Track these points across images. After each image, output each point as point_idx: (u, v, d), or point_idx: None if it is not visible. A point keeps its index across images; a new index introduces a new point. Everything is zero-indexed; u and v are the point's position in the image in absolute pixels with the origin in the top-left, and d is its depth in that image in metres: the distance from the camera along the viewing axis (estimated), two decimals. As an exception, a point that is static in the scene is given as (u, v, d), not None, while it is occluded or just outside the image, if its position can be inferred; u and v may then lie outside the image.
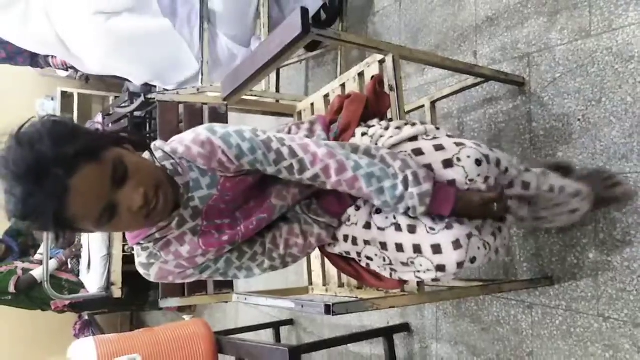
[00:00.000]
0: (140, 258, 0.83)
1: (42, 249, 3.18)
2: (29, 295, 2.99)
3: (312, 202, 0.92)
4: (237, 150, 0.78)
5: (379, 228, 0.86)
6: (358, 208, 0.90)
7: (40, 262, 3.02)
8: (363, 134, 0.94)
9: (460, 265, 0.79)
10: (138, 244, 0.82)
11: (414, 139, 0.85)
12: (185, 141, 0.79)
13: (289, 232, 0.90)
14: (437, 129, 0.90)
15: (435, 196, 0.80)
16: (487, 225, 0.85)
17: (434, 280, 0.84)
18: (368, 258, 0.91)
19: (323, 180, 0.81)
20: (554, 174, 1.00)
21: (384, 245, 0.86)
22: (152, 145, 0.82)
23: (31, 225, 0.66)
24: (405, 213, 0.82)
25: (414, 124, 0.90)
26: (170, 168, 0.79)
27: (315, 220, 0.91)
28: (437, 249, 0.80)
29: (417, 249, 0.82)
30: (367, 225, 0.88)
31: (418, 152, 0.83)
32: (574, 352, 1.19)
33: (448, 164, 0.81)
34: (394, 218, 0.85)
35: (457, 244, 0.79)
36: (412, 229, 0.82)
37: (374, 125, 0.96)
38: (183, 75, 1.90)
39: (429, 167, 0.82)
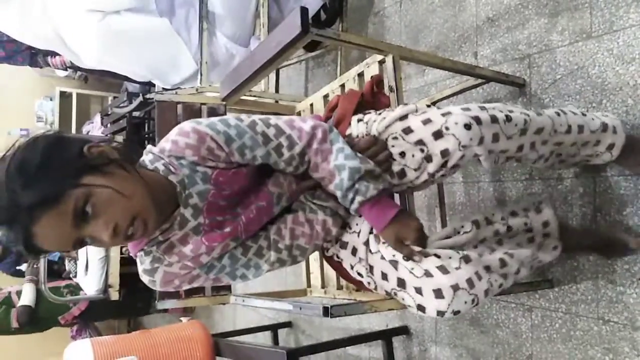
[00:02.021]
0: (144, 265, 0.81)
1: (24, 267, 3.17)
2: (34, 323, 2.98)
3: (316, 190, 0.91)
4: (225, 135, 0.78)
5: (370, 250, 0.86)
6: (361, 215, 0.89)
7: (31, 280, 3.02)
8: (359, 120, 0.94)
9: (440, 313, 0.78)
10: (141, 250, 0.81)
11: (404, 117, 0.84)
12: (171, 136, 0.79)
13: (293, 221, 0.88)
14: (429, 106, 0.88)
15: (380, 201, 0.81)
16: (483, 277, 0.81)
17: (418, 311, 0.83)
18: (359, 274, 0.91)
19: (305, 152, 0.83)
20: (571, 112, 0.95)
21: (371, 269, 0.86)
22: (144, 152, 0.81)
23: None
24: (346, 201, 0.82)
25: (405, 104, 0.89)
26: (163, 168, 0.78)
27: (320, 206, 0.89)
28: (419, 290, 0.79)
29: (401, 282, 0.81)
30: (366, 243, 0.87)
31: (408, 130, 0.82)
32: (574, 355, 1.18)
33: (438, 134, 0.79)
34: (379, 247, 0.85)
35: (438, 293, 0.77)
36: (394, 264, 0.82)
37: (370, 113, 0.95)
38: (180, 75, 1.89)
39: (420, 142, 0.81)
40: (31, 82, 4.28)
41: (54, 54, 2.80)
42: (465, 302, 0.78)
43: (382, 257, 0.84)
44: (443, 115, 0.80)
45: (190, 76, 1.90)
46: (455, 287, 0.77)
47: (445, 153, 0.79)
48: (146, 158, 0.80)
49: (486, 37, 1.48)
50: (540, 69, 1.31)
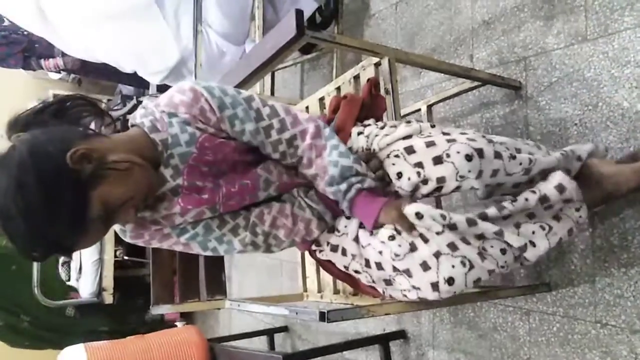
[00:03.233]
0: (120, 227, 0.84)
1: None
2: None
3: (310, 190, 0.91)
4: (219, 101, 0.79)
5: (361, 245, 0.86)
6: (348, 217, 0.89)
7: None
8: (359, 133, 0.93)
9: (434, 286, 0.77)
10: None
11: (407, 137, 0.84)
12: (169, 92, 0.81)
13: (279, 211, 0.87)
14: (433, 126, 0.87)
15: (369, 197, 0.82)
16: (469, 241, 0.79)
17: (420, 299, 0.82)
18: (355, 272, 0.90)
19: (297, 144, 0.83)
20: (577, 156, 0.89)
21: (367, 263, 0.86)
22: (140, 106, 0.84)
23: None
24: (338, 195, 0.83)
25: (409, 122, 0.89)
26: (149, 125, 0.78)
27: (308, 205, 0.89)
28: (408, 272, 0.80)
29: (394, 267, 0.81)
30: (356, 239, 0.87)
31: (410, 150, 0.82)
32: (571, 359, 1.17)
33: (438, 160, 0.79)
34: (369, 239, 0.85)
35: (425, 265, 0.78)
36: (382, 253, 0.82)
37: (370, 125, 0.94)
38: (164, 63, 1.89)
39: (419, 164, 0.80)
40: (24, 85, 4.25)
41: (47, 56, 2.78)
42: (453, 266, 0.77)
43: (374, 248, 0.84)
44: (448, 141, 0.79)
45: (174, 67, 1.89)
46: (437, 254, 0.77)
47: (441, 180, 0.79)
48: (138, 112, 0.82)
49: (482, 39, 1.48)
50: (536, 72, 1.31)
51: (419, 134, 0.84)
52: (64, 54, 2.66)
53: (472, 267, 0.78)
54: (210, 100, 0.78)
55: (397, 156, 0.83)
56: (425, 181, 0.81)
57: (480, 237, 0.79)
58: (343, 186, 0.81)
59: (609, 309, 1.10)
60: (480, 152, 0.78)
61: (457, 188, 0.80)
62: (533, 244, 0.82)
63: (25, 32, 2.60)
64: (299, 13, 0.91)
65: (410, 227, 0.80)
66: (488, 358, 1.38)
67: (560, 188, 0.82)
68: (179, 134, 0.78)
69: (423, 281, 0.78)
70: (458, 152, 0.78)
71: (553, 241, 0.83)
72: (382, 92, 1.06)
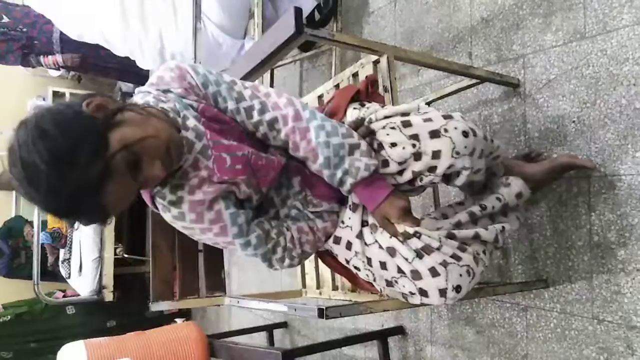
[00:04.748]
0: (166, 198, 0.80)
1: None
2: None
3: (307, 194, 0.91)
4: (203, 78, 0.82)
5: (365, 243, 0.86)
6: (352, 208, 0.88)
7: None
8: (354, 108, 0.94)
9: (442, 292, 0.79)
10: (155, 191, 0.81)
11: (405, 114, 0.85)
12: (157, 72, 0.83)
13: (298, 231, 0.89)
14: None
15: (373, 181, 0.81)
16: (468, 250, 0.84)
17: (423, 304, 0.84)
18: (356, 268, 0.90)
19: (279, 128, 0.83)
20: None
21: (369, 261, 0.86)
22: (134, 94, 0.84)
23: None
24: (335, 180, 0.82)
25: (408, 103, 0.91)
26: (153, 101, 0.79)
27: (315, 212, 0.90)
28: (416, 274, 0.80)
29: (400, 269, 0.82)
30: (359, 235, 0.87)
31: (406, 123, 0.82)
32: (568, 354, 1.18)
33: (435, 134, 0.80)
34: (375, 237, 0.85)
35: (433, 271, 0.79)
36: (391, 252, 0.83)
37: (370, 105, 0.95)
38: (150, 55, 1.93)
39: (415, 137, 0.81)
40: (23, 82, 4.25)
41: (46, 53, 2.77)
42: (461, 275, 0.80)
43: (380, 247, 0.84)
44: (445, 117, 0.81)
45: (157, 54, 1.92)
46: (444, 263, 0.79)
47: (436, 154, 0.79)
48: (136, 98, 0.82)
49: (480, 37, 1.48)
50: (534, 69, 1.31)
51: (416, 111, 0.86)
52: (63, 51, 2.66)
53: (474, 275, 0.82)
54: (195, 77, 0.81)
55: (392, 128, 0.83)
56: (418, 155, 0.80)
57: (467, 241, 0.85)
58: (339, 173, 0.81)
59: (606, 305, 1.11)
60: (474, 132, 0.81)
61: (449, 167, 0.80)
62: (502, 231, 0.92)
63: (24, 29, 2.59)
64: (298, 11, 0.91)
65: (414, 222, 0.82)
66: (485, 354, 1.39)
67: (519, 195, 0.98)
68: (179, 101, 0.80)
69: (431, 284, 0.79)
70: (456, 128, 0.79)
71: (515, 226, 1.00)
72: (381, 89, 1.06)
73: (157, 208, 0.84)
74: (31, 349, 3.11)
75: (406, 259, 0.81)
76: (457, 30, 1.57)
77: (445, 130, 0.79)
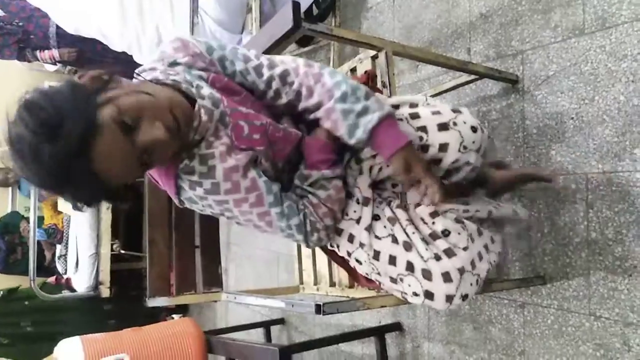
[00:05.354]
0: (197, 172, 0.75)
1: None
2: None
3: (302, 168, 0.85)
4: (207, 45, 0.80)
5: (376, 236, 0.84)
6: (358, 202, 0.86)
7: None
8: None
9: (449, 298, 0.78)
10: (182, 166, 0.76)
11: (414, 105, 0.84)
12: (160, 48, 0.81)
13: (310, 204, 0.84)
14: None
15: (391, 125, 0.77)
16: (484, 257, 0.84)
17: (425, 306, 0.83)
18: (357, 261, 0.89)
19: (292, 80, 0.80)
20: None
21: (376, 255, 0.84)
22: (135, 75, 0.79)
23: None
24: (352, 120, 0.76)
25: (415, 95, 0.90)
26: (162, 75, 0.76)
27: (313, 184, 0.84)
28: (427, 274, 0.79)
29: (409, 266, 0.80)
30: (368, 228, 0.84)
31: (414, 115, 0.81)
32: (565, 351, 1.18)
33: (443, 127, 0.79)
34: (391, 230, 0.83)
35: (446, 277, 0.78)
36: (407, 247, 0.81)
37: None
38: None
39: (423, 129, 0.79)
40: (19, 77, 4.22)
41: (42, 48, 2.75)
42: (471, 284, 0.80)
43: (394, 240, 0.82)
44: (454, 111, 0.80)
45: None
46: (462, 270, 0.78)
47: (443, 147, 0.78)
48: (142, 76, 0.78)
49: (479, 33, 1.47)
50: (533, 66, 1.31)
51: (424, 104, 0.84)
52: (59, 46, 2.64)
53: (480, 284, 0.82)
54: (198, 45, 0.79)
55: (400, 119, 0.81)
56: (425, 147, 0.79)
57: (487, 248, 0.85)
58: (358, 107, 0.76)
59: (603, 302, 1.11)
60: (482, 128, 0.81)
61: (455, 162, 0.79)
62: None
63: (21, 23, 2.58)
64: (296, 5, 0.91)
65: (427, 175, 0.78)
66: (482, 350, 1.39)
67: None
68: (187, 72, 0.77)
69: (440, 289, 0.78)
70: (465, 122, 0.78)
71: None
72: (379, 85, 1.06)
73: (179, 194, 0.79)
74: (27, 333, 3.10)
75: (422, 257, 0.80)
76: (455, 25, 1.56)
77: (454, 124, 0.78)
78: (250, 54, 0.82)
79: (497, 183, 1.05)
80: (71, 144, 0.61)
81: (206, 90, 0.75)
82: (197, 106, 0.74)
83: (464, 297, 0.79)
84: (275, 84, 0.80)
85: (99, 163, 0.63)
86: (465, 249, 0.80)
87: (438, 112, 0.80)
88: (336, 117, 0.77)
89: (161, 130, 0.67)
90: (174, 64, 0.78)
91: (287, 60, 0.82)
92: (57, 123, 0.61)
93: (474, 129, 0.79)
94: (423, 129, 0.79)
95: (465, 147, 0.78)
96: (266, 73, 0.80)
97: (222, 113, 0.76)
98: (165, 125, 0.68)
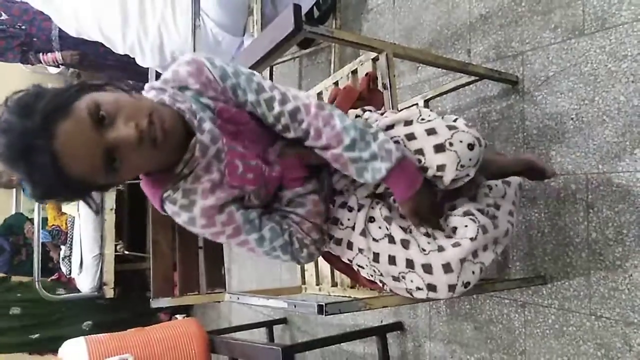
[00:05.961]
0: (178, 202, 0.76)
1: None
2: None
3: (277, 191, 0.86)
4: (221, 70, 0.78)
5: (373, 239, 0.85)
6: (351, 209, 0.87)
7: None
8: (356, 116, 0.93)
9: (451, 288, 0.79)
10: (166, 191, 0.77)
11: (408, 123, 0.83)
12: (173, 67, 0.80)
13: (293, 222, 0.85)
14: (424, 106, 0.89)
15: (402, 170, 0.78)
16: (489, 248, 0.84)
17: (428, 299, 0.84)
18: (359, 266, 0.90)
19: (302, 118, 0.79)
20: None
21: (376, 257, 0.85)
22: (144, 90, 0.80)
23: (58, 199, 0.71)
24: (361, 165, 0.78)
25: (409, 107, 0.90)
26: (168, 100, 0.75)
27: (289, 203, 0.85)
28: (428, 268, 0.80)
29: (409, 264, 0.82)
30: (363, 233, 0.86)
31: (410, 136, 0.81)
32: (566, 350, 1.19)
33: (439, 148, 0.79)
34: (387, 229, 0.84)
35: (447, 267, 0.79)
36: (405, 244, 0.82)
37: (370, 111, 0.95)
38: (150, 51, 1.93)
39: (420, 151, 0.80)
40: (23, 80, 4.24)
41: (45, 51, 2.77)
42: (474, 272, 0.81)
43: (391, 241, 0.83)
44: (449, 128, 0.79)
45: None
46: (463, 260, 0.79)
47: (441, 168, 0.79)
48: (149, 95, 0.78)
49: (479, 34, 1.48)
50: (533, 66, 1.31)
51: (418, 119, 0.83)
52: (62, 48, 2.65)
53: (485, 272, 0.83)
54: (212, 70, 0.78)
55: (397, 142, 0.82)
56: (424, 170, 0.80)
57: (496, 240, 0.86)
58: (365, 155, 0.77)
59: (604, 302, 1.12)
60: (479, 141, 0.80)
61: (454, 178, 0.80)
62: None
63: (23, 26, 2.59)
64: (297, 8, 0.91)
65: (433, 220, 0.83)
66: (484, 350, 1.40)
67: (516, 191, 0.98)
68: (197, 104, 0.77)
69: (441, 281, 0.80)
70: (461, 142, 0.78)
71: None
72: (380, 86, 1.07)
73: (165, 211, 0.81)
74: (16, 317, 3.13)
75: (423, 250, 0.81)
76: (455, 27, 1.57)
77: (451, 145, 0.78)
78: (265, 84, 0.81)
79: (492, 165, 1.05)
80: (36, 119, 0.62)
81: (207, 124, 0.76)
82: (193, 140, 0.75)
83: (466, 284, 0.80)
84: (284, 120, 0.80)
85: (60, 145, 0.62)
86: (472, 239, 0.80)
87: (434, 131, 0.80)
88: (344, 161, 0.80)
89: (133, 132, 0.66)
90: (184, 88, 0.78)
91: (300, 96, 0.81)
92: (32, 101, 0.64)
93: (470, 147, 0.78)
94: (420, 151, 0.80)
95: (462, 166, 0.79)
96: (277, 108, 0.80)
97: (218, 149, 0.77)
98: (139, 128, 0.67)
